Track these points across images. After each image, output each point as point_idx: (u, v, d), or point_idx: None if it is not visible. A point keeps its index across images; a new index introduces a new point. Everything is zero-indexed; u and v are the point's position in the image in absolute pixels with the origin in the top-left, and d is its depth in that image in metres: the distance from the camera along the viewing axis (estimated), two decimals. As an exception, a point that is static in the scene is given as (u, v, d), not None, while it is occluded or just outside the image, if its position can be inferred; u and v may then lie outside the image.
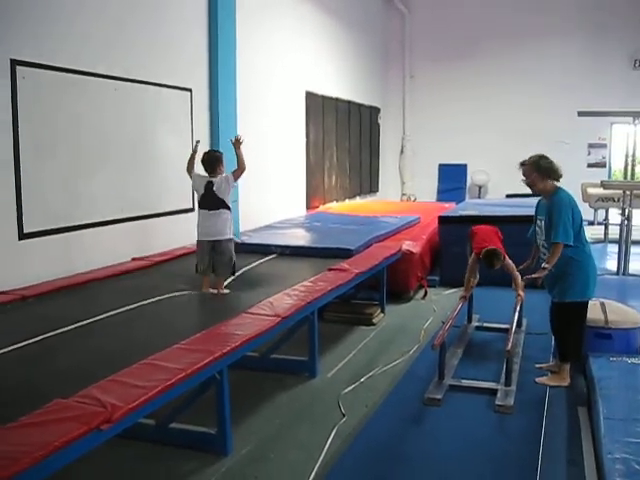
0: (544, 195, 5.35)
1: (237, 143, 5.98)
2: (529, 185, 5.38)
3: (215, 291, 5.93)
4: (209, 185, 5.87)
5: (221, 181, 5.89)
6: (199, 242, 5.97)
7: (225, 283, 6.08)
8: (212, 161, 5.94)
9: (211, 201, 5.88)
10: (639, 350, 5.67)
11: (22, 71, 5.74)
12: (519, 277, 6.09)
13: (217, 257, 5.91)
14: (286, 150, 11.15)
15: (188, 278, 6.19)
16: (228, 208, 5.93)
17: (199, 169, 6.10)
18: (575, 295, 5.24)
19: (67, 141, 6.32)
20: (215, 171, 5.90)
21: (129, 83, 7.10)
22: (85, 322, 4.72)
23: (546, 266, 5.17)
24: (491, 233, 6.53)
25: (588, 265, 5.25)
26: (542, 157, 5.35)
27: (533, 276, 5.34)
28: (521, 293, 6.09)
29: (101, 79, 6.69)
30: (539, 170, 5.27)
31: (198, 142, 6.20)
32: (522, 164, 5.39)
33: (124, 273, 6.42)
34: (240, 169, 5.96)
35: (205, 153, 6.08)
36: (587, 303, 5.34)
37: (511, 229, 6.99)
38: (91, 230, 6.62)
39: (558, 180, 5.28)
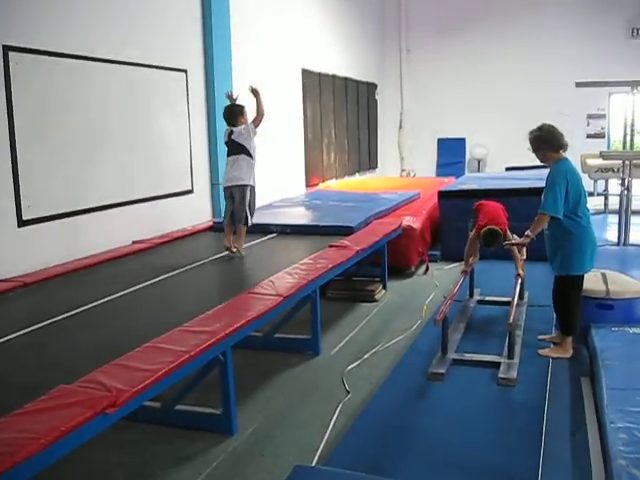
0: (548, 165, 5.33)
1: (255, 91, 6.31)
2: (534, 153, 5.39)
3: (234, 249, 6.32)
4: (230, 133, 6.31)
5: (241, 128, 6.27)
6: (224, 190, 6.41)
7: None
8: (230, 114, 6.36)
9: (231, 147, 6.31)
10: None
11: (15, 57, 5.70)
12: (520, 256, 6.11)
13: (235, 205, 6.26)
14: (284, 128, 11.08)
15: (188, 259, 6.20)
16: (248, 155, 6.25)
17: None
18: (571, 268, 5.23)
19: (65, 126, 6.30)
20: (235, 123, 6.30)
21: (126, 66, 7.07)
22: (86, 307, 4.73)
23: (528, 234, 5.22)
24: (498, 209, 6.38)
25: (585, 238, 5.20)
26: (544, 127, 5.29)
27: (512, 242, 5.59)
28: (521, 272, 6.06)
29: (99, 63, 6.67)
30: (539, 140, 5.25)
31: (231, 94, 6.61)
32: (530, 133, 5.36)
33: (125, 256, 6.43)
34: (259, 115, 6.28)
35: (225, 108, 6.44)
36: (583, 276, 5.34)
37: (512, 202, 6.98)
38: (91, 215, 6.61)
39: (559, 151, 5.24)
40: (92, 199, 6.63)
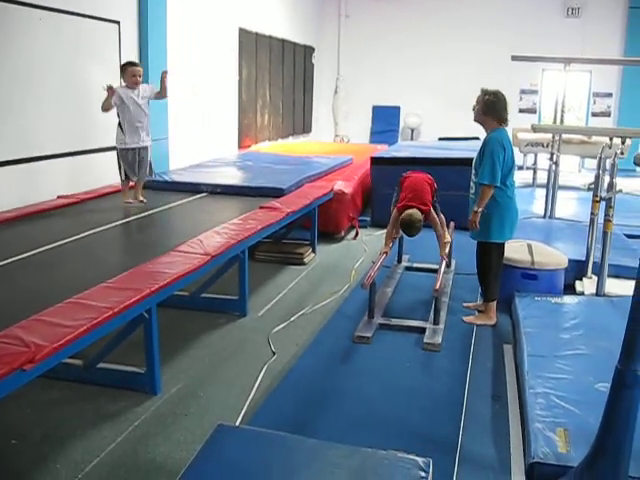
0: (485, 130, 5.35)
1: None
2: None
3: (135, 201, 6.56)
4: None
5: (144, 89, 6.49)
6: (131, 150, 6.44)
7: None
8: None
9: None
10: (562, 290, 5.88)
11: None
12: (446, 235, 6.10)
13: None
14: (218, 87, 10.89)
15: (114, 215, 6.06)
16: None
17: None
18: (490, 236, 5.31)
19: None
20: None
21: (54, 13, 6.75)
22: (7, 261, 4.56)
23: (476, 209, 5.19)
24: (422, 183, 6.06)
25: (508, 208, 5.29)
26: (500, 97, 5.24)
27: (472, 223, 5.26)
28: (444, 255, 5.99)
29: (25, 7, 6.34)
30: (490, 105, 5.22)
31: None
32: (485, 93, 5.27)
33: (49, 211, 6.23)
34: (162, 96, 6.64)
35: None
36: (503, 245, 5.44)
37: (443, 172, 7.02)
38: (14, 167, 6.36)
39: (501, 122, 5.25)
40: (16, 151, 6.38)
